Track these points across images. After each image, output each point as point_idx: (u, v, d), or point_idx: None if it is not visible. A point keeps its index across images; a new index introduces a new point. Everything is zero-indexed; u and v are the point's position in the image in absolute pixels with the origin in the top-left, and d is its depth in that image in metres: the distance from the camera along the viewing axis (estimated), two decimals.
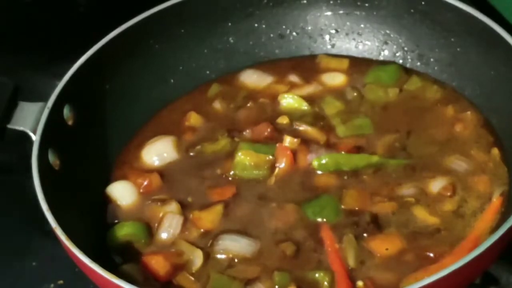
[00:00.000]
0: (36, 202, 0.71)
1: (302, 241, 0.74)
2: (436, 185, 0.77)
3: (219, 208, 0.77)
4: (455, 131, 0.81)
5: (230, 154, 0.80)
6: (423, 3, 0.86)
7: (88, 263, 0.67)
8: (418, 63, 0.87)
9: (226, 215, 0.76)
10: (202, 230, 0.76)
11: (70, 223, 0.71)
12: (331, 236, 0.73)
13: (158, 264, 0.73)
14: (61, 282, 0.79)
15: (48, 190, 0.72)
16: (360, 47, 0.90)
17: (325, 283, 0.71)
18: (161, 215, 0.77)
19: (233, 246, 0.74)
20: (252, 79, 0.88)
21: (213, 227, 0.76)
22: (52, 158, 0.76)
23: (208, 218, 0.76)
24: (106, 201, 0.79)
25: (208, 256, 0.74)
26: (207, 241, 0.75)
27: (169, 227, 0.76)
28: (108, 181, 0.80)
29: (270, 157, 0.79)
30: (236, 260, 0.73)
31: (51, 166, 0.76)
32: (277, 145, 0.80)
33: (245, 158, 0.79)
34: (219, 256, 0.74)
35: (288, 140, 0.80)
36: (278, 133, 0.82)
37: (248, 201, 0.77)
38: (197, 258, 0.73)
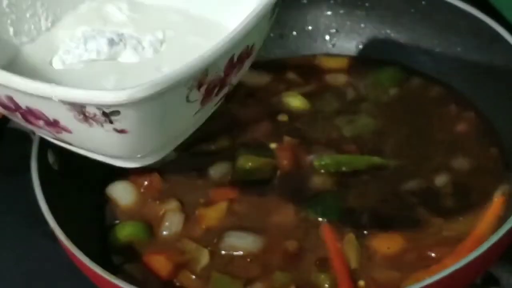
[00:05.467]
0: (36, 202, 0.71)
1: (304, 241, 0.74)
2: (438, 184, 0.77)
3: (223, 206, 0.77)
4: (456, 130, 0.81)
5: (231, 154, 0.80)
6: (423, 2, 0.86)
7: (88, 264, 0.67)
8: (419, 63, 0.87)
9: (229, 213, 0.76)
10: (204, 227, 0.76)
11: (70, 223, 0.71)
12: (333, 235, 0.73)
13: (160, 264, 0.73)
14: (60, 282, 0.79)
15: (47, 190, 0.72)
16: (361, 46, 0.90)
17: (326, 285, 0.71)
18: (161, 213, 0.77)
19: (239, 243, 0.74)
20: (252, 77, 0.88)
21: (217, 224, 0.76)
22: (52, 158, 0.76)
23: (213, 215, 0.76)
24: (106, 201, 0.79)
25: (212, 254, 0.74)
26: (210, 239, 0.75)
27: (170, 225, 0.76)
28: (108, 181, 0.80)
29: (271, 159, 0.79)
30: (238, 259, 0.73)
31: (51, 166, 0.76)
32: (277, 146, 0.80)
33: (246, 163, 0.79)
34: (224, 252, 0.74)
35: (287, 141, 0.80)
36: (278, 132, 0.82)
37: (250, 201, 0.77)
38: (202, 257, 0.73)
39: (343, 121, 0.83)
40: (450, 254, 0.71)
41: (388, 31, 0.89)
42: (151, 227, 0.77)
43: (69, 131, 0.55)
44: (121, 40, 0.62)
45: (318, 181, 0.78)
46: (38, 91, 0.52)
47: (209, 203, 0.77)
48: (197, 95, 0.55)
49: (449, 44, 0.85)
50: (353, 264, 0.72)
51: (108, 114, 0.52)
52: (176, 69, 0.52)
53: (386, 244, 0.73)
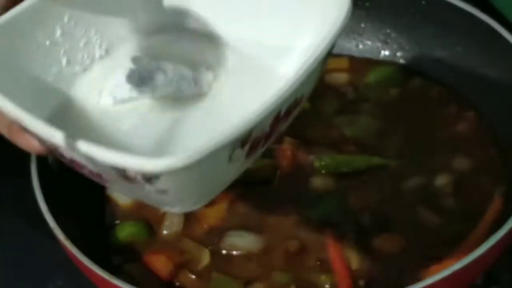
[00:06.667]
0: (35, 203, 0.71)
1: (304, 242, 0.74)
2: (438, 184, 0.77)
3: (223, 206, 0.76)
4: (456, 130, 0.81)
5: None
6: (424, 2, 0.86)
7: (88, 264, 0.67)
8: (419, 63, 0.87)
9: (229, 213, 0.76)
10: (205, 226, 0.76)
11: (70, 223, 0.71)
12: (333, 236, 0.73)
13: (160, 264, 0.73)
14: (60, 282, 0.79)
15: (47, 191, 0.72)
16: (361, 46, 0.90)
17: (326, 285, 0.71)
18: (161, 213, 0.77)
19: (240, 242, 0.74)
20: None
21: (217, 224, 0.76)
22: (52, 159, 0.76)
23: (213, 215, 0.76)
24: (106, 201, 0.79)
25: (213, 254, 0.74)
26: (211, 238, 0.75)
27: (170, 225, 0.76)
28: None
29: (271, 159, 0.79)
30: (239, 258, 0.73)
31: (51, 167, 0.76)
32: (277, 146, 0.80)
33: None
34: (225, 252, 0.74)
35: (287, 141, 0.80)
36: None
37: (250, 201, 0.77)
38: (203, 257, 0.73)
39: (343, 121, 0.83)
40: (450, 254, 0.71)
41: (389, 30, 0.89)
42: (151, 227, 0.77)
43: (113, 183, 0.55)
44: (171, 77, 0.60)
45: (318, 182, 0.78)
46: (77, 150, 0.51)
47: (209, 203, 0.77)
48: (240, 153, 0.54)
49: (449, 44, 0.85)
50: (354, 264, 0.72)
51: (149, 178, 0.51)
52: (216, 136, 0.50)
53: (386, 244, 0.73)
